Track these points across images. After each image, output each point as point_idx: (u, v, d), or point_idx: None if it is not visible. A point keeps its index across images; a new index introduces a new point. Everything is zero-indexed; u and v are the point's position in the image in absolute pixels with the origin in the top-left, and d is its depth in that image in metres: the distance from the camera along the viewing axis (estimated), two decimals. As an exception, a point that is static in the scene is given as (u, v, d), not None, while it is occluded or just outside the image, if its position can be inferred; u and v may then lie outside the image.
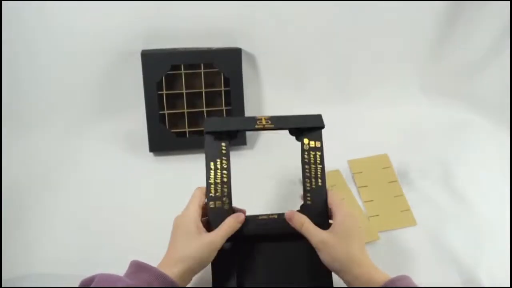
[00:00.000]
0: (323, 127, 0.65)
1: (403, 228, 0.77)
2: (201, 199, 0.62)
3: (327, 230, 0.59)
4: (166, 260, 0.57)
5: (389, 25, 0.90)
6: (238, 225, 0.61)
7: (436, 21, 0.90)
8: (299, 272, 0.65)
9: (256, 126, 0.62)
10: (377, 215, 0.79)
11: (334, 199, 0.62)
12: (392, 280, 0.54)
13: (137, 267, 0.55)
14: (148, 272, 0.54)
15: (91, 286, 0.50)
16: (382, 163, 0.88)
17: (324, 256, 0.58)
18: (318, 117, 0.65)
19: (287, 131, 0.67)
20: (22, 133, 0.87)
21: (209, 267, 0.61)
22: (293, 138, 0.74)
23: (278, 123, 0.63)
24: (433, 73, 0.97)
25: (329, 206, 0.62)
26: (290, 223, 0.61)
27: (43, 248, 0.73)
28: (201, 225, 0.59)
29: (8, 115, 0.86)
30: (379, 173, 0.86)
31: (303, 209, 0.64)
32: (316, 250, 0.59)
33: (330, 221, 0.61)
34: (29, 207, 0.78)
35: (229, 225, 0.60)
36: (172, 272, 0.55)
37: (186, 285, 0.57)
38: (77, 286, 0.51)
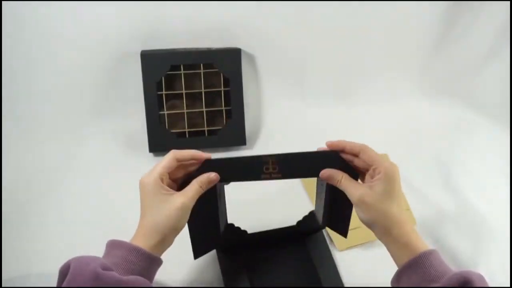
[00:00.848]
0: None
1: (403, 228, 0.78)
2: (170, 163, 0.55)
3: (367, 185, 0.54)
4: (140, 231, 0.55)
5: (389, 25, 0.90)
6: (211, 183, 0.56)
7: (436, 21, 0.90)
8: (306, 278, 0.67)
9: (263, 177, 0.55)
10: (377, 215, 0.80)
11: (372, 154, 0.55)
12: (426, 253, 0.51)
13: (112, 246, 0.54)
14: (122, 248, 0.52)
15: (69, 271, 0.49)
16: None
17: (362, 214, 0.55)
18: (336, 156, 0.55)
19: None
20: (22, 134, 0.87)
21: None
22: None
23: (286, 169, 0.55)
24: (433, 73, 0.98)
25: (369, 162, 0.55)
26: (327, 180, 0.57)
27: (43, 248, 0.73)
28: (165, 186, 0.54)
29: (8, 116, 0.86)
30: (379, 173, 0.87)
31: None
32: (354, 206, 0.55)
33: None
34: (29, 207, 0.79)
35: (199, 181, 0.56)
36: (149, 244, 0.53)
37: (163, 253, 0.55)
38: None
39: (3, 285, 0.68)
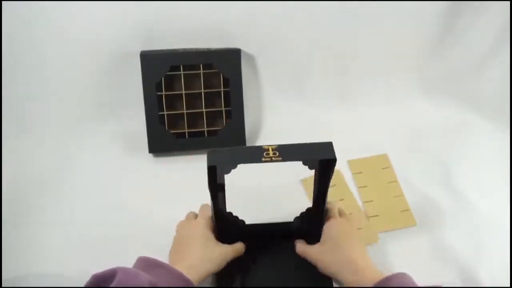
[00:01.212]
0: (334, 159, 0.58)
1: (403, 228, 0.78)
2: (207, 213, 0.67)
3: (318, 244, 0.65)
4: (184, 263, 0.59)
5: (389, 25, 0.90)
6: (242, 252, 0.67)
7: (436, 21, 0.90)
8: (301, 274, 0.68)
9: (263, 160, 0.59)
10: (377, 216, 0.80)
11: (327, 210, 0.67)
12: (384, 280, 0.55)
13: (148, 263, 0.56)
14: (166, 270, 0.55)
15: (113, 284, 0.50)
16: (381, 163, 0.89)
17: (320, 269, 0.64)
18: (329, 146, 0.59)
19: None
20: (21, 134, 0.88)
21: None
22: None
23: (286, 154, 0.58)
24: (433, 73, 0.97)
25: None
26: (301, 254, 0.68)
27: (43, 248, 0.74)
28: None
29: (8, 116, 0.87)
30: (379, 173, 0.87)
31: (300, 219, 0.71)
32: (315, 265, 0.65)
33: None
34: (29, 207, 0.79)
35: (239, 247, 0.67)
36: (190, 274, 0.56)
37: None
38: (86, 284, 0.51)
39: (3, 285, 0.68)
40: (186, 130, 0.89)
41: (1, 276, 0.69)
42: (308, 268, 0.68)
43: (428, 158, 0.89)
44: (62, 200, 0.81)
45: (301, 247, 0.67)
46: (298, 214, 0.72)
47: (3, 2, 0.79)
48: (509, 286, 0.69)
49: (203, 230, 0.63)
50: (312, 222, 0.70)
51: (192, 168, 0.87)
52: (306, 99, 0.97)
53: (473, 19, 0.90)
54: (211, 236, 0.64)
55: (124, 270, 0.51)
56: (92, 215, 0.79)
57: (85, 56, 0.87)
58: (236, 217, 0.71)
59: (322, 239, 0.65)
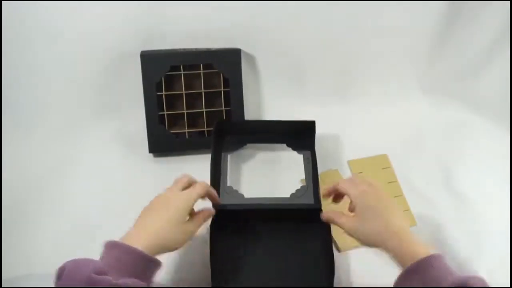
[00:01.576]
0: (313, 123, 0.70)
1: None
2: (203, 191, 0.65)
3: (352, 215, 0.63)
4: (139, 232, 0.59)
5: (389, 25, 0.91)
6: (209, 218, 0.68)
7: (436, 21, 0.91)
8: (300, 261, 0.70)
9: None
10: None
11: (342, 188, 0.65)
12: (426, 258, 0.53)
13: (109, 247, 0.56)
14: (117, 249, 0.55)
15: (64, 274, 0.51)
16: (381, 163, 0.89)
17: (358, 241, 0.62)
18: (312, 124, 0.68)
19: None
20: (21, 134, 0.88)
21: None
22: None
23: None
24: (433, 73, 0.98)
25: (344, 193, 0.66)
26: (329, 222, 0.67)
27: (43, 248, 0.74)
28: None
29: (7, 116, 0.87)
30: (379, 174, 0.87)
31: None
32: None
33: None
34: (29, 207, 0.80)
35: (204, 217, 0.66)
36: (146, 246, 0.56)
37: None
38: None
39: (3, 285, 0.68)
40: (186, 130, 0.89)
41: (1, 276, 0.69)
42: (307, 254, 0.71)
43: (428, 158, 0.89)
44: (63, 200, 0.81)
45: (338, 218, 0.64)
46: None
47: (3, 2, 0.80)
48: (509, 286, 0.69)
49: (180, 207, 0.62)
50: (307, 196, 0.77)
51: (192, 168, 0.87)
52: (306, 99, 0.97)
53: (473, 19, 0.90)
54: (184, 218, 0.62)
55: (72, 262, 0.53)
56: (92, 215, 0.79)
57: (85, 56, 0.87)
58: (236, 191, 0.78)
59: (357, 209, 0.62)
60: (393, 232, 0.58)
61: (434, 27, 0.91)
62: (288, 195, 0.78)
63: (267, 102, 0.95)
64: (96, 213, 0.80)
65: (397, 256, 0.57)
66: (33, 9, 0.81)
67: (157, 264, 0.57)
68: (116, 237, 0.75)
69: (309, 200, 0.78)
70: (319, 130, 0.91)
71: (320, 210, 0.73)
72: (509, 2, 0.86)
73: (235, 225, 0.74)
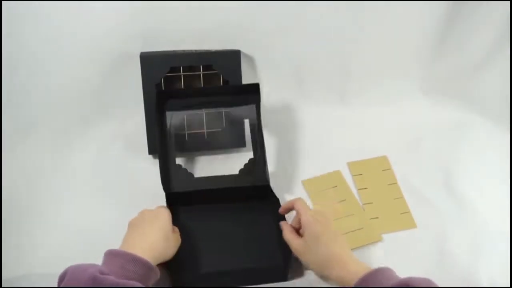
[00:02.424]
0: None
1: (403, 230, 0.79)
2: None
3: (302, 239, 0.66)
4: (139, 245, 0.62)
5: (389, 25, 0.91)
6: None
7: (436, 22, 0.91)
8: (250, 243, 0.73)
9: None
10: (377, 218, 0.81)
11: (298, 207, 0.69)
12: (368, 275, 0.57)
13: (110, 255, 0.58)
14: (120, 257, 0.57)
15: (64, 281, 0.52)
16: (381, 165, 0.90)
17: (303, 262, 0.67)
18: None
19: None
20: (21, 136, 0.89)
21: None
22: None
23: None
24: (433, 74, 0.98)
25: (297, 213, 0.70)
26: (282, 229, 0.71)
27: (43, 248, 0.75)
28: None
29: (7, 116, 0.88)
30: (379, 175, 0.88)
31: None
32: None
33: None
34: (28, 207, 0.81)
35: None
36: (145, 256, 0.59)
37: None
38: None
39: (3, 285, 0.69)
40: (186, 132, 0.90)
41: (1, 276, 0.70)
42: (261, 231, 0.74)
43: (428, 159, 0.90)
44: (62, 201, 0.83)
45: (287, 235, 0.68)
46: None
47: (3, 2, 0.80)
48: (509, 286, 0.70)
49: (167, 222, 0.68)
50: (255, 169, 0.81)
51: (192, 169, 0.89)
52: (305, 100, 0.98)
53: (473, 20, 0.90)
54: (171, 230, 0.68)
55: (75, 266, 0.54)
56: (92, 216, 0.80)
57: (85, 57, 0.88)
58: (185, 169, 0.80)
59: (303, 235, 0.66)
60: (336, 261, 0.62)
61: (434, 27, 0.91)
62: (237, 171, 0.81)
63: (266, 103, 0.96)
64: (96, 214, 0.81)
65: (341, 282, 0.60)
66: (33, 10, 0.81)
67: (156, 274, 0.60)
68: (116, 237, 0.76)
69: (257, 176, 0.81)
70: (319, 131, 0.92)
71: (269, 186, 0.80)
72: (509, 2, 0.87)
73: (186, 208, 0.78)
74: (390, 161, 0.90)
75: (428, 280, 0.54)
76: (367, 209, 0.83)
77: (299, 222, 0.68)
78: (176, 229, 0.71)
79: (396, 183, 0.87)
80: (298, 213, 0.69)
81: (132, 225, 0.67)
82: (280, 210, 0.74)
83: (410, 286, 0.52)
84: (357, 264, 0.61)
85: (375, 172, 0.89)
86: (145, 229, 0.65)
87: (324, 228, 0.66)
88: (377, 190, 0.86)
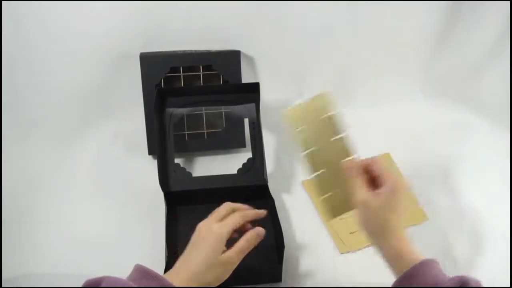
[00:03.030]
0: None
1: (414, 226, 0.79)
2: (238, 222, 0.62)
3: (374, 192, 0.59)
4: (182, 270, 0.57)
5: (389, 26, 0.92)
6: (258, 239, 0.61)
7: (437, 22, 0.92)
8: None
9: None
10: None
11: (382, 166, 0.61)
12: (416, 267, 0.55)
13: (142, 273, 0.54)
14: (155, 281, 0.53)
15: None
16: (384, 162, 0.90)
17: (362, 217, 0.60)
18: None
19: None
20: (21, 136, 0.90)
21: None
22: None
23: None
24: (433, 74, 0.99)
25: (378, 172, 0.61)
26: (346, 171, 0.64)
27: (43, 248, 0.76)
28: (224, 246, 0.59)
29: (7, 117, 0.88)
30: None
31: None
32: (357, 208, 0.60)
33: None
34: (28, 207, 0.81)
35: (247, 239, 0.60)
36: (182, 282, 0.55)
37: None
38: (80, 286, 0.52)
39: (3, 285, 0.70)
40: (186, 132, 0.90)
41: (1, 276, 0.71)
42: None
43: (428, 158, 0.90)
44: (62, 201, 0.83)
45: (358, 180, 0.61)
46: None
47: (3, 2, 0.81)
48: (509, 286, 0.70)
49: (214, 239, 0.59)
50: (254, 168, 0.81)
51: (192, 170, 0.89)
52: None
53: (473, 20, 0.91)
54: (220, 249, 0.58)
55: (110, 279, 0.51)
56: (92, 216, 0.81)
57: (85, 58, 0.89)
58: (184, 169, 0.81)
59: (382, 193, 0.59)
60: (399, 234, 0.58)
61: (434, 28, 0.92)
62: (235, 171, 0.82)
63: (266, 103, 0.96)
64: (95, 214, 0.81)
65: (392, 255, 0.58)
66: (33, 10, 0.82)
67: None
68: (116, 238, 0.77)
69: (255, 176, 0.82)
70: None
71: (267, 186, 0.80)
72: (509, 2, 0.87)
73: (185, 207, 0.79)
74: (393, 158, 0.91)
75: (479, 281, 0.54)
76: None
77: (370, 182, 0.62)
78: (236, 247, 0.60)
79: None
80: (384, 172, 0.61)
81: (190, 242, 0.61)
82: (354, 172, 0.63)
83: (468, 286, 0.52)
84: (412, 245, 0.58)
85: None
86: (191, 254, 0.59)
87: (403, 200, 0.60)
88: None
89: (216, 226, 0.60)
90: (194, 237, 0.60)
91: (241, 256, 0.59)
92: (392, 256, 0.58)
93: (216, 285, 0.58)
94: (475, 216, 0.80)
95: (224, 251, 0.58)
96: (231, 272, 0.59)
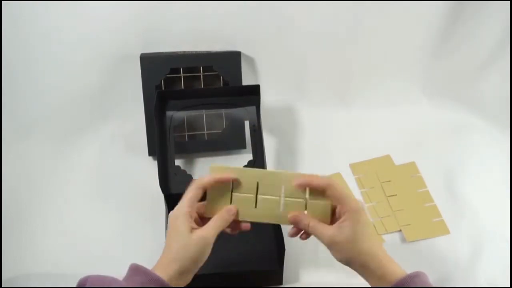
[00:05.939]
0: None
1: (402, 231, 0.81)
2: (194, 193, 0.60)
3: (335, 226, 0.59)
4: (162, 260, 0.58)
5: (389, 27, 0.93)
6: (231, 218, 0.61)
7: (437, 23, 0.93)
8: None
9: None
10: (389, 216, 0.84)
11: (338, 192, 0.59)
12: (404, 280, 0.55)
13: (134, 271, 0.56)
14: (143, 276, 0.55)
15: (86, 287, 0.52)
16: (385, 163, 0.92)
17: (335, 254, 0.59)
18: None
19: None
20: (21, 136, 0.91)
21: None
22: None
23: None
24: (434, 76, 1.00)
25: (335, 200, 0.59)
26: (296, 225, 0.62)
27: (43, 249, 0.77)
28: (192, 222, 0.59)
29: (7, 118, 0.90)
30: (382, 173, 0.90)
31: None
32: (327, 247, 0.60)
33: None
34: (28, 208, 0.83)
35: (221, 218, 0.60)
36: (168, 273, 0.56)
37: (185, 284, 0.58)
38: (75, 286, 0.54)
39: (3, 285, 0.71)
40: (186, 133, 0.92)
41: (1, 276, 0.72)
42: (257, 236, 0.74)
43: (429, 160, 0.91)
44: (62, 201, 0.85)
45: (316, 225, 0.60)
46: None
47: (3, 2, 0.82)
48: (509, 286, 0.72)
49: (174, 220, 0.58)
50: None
51: (192, 171, 0.91)
52: (306, 102, 1.00)
53: (474, 21, 0.92)
54: (182, 227, 0.57)
55: (96, 277, 0.53)
56: (92, 216, 0.83)
57: (85, 58, 0.90)
58: (184, 171, 0.81)
59: (343, 223, 0.58)
60: (375, 255, 0.58)
61: (435, 29, 0.93)
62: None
63: (266, 104, 0.97)
64: (95, 214, 0.83)
65: (374, 278, 0.58)
66: (33, 10, 0.83)
67: None
68: (116, 238, 0.79)
69: None
70: (319, 132, 0.93)
71: None
72: (509, 2, 0.88)
73: None
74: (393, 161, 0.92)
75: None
76: (370, 210, 0.85)
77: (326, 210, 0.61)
78: (212, 222, 0.59)
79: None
80: (340, 198, 0.59)
81: None
82: (296, 183, 0.61)
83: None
84: (396, 266, 0.58)
85: (377, 171, 0.90)
86: (167, 243, 0.59)
87: (366, 222, 0.59)
88: (377, 191, 0.88)
89: (175, 208, 0.60)
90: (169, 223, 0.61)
91: (213, 233, 0.58)
92: (376, 280, 0.58)
93: (197, 268, 0.58)
94: (476, 216, 0.82)
95: (194, 229, 0.58)
96: (208, 252, 0.58)
